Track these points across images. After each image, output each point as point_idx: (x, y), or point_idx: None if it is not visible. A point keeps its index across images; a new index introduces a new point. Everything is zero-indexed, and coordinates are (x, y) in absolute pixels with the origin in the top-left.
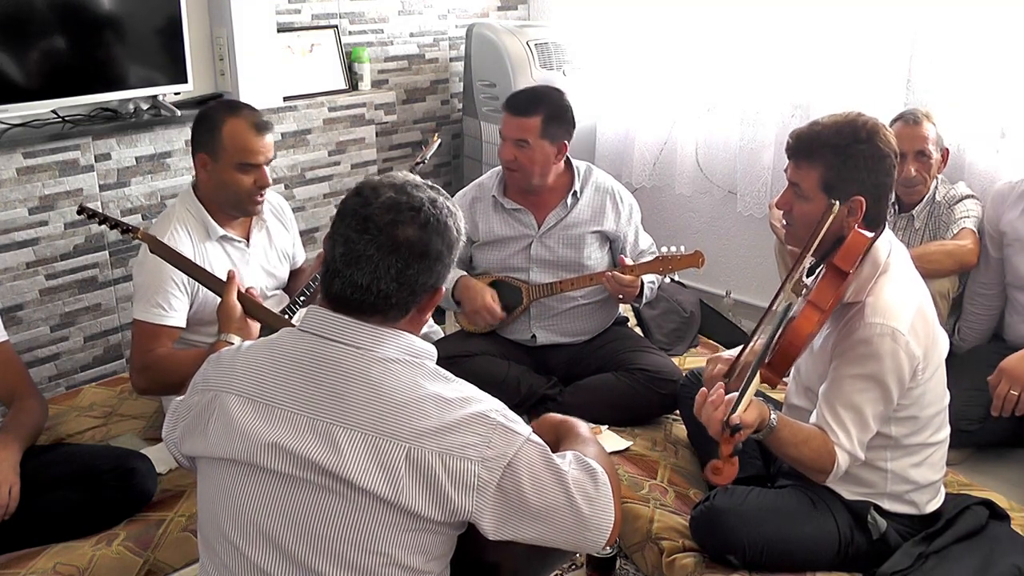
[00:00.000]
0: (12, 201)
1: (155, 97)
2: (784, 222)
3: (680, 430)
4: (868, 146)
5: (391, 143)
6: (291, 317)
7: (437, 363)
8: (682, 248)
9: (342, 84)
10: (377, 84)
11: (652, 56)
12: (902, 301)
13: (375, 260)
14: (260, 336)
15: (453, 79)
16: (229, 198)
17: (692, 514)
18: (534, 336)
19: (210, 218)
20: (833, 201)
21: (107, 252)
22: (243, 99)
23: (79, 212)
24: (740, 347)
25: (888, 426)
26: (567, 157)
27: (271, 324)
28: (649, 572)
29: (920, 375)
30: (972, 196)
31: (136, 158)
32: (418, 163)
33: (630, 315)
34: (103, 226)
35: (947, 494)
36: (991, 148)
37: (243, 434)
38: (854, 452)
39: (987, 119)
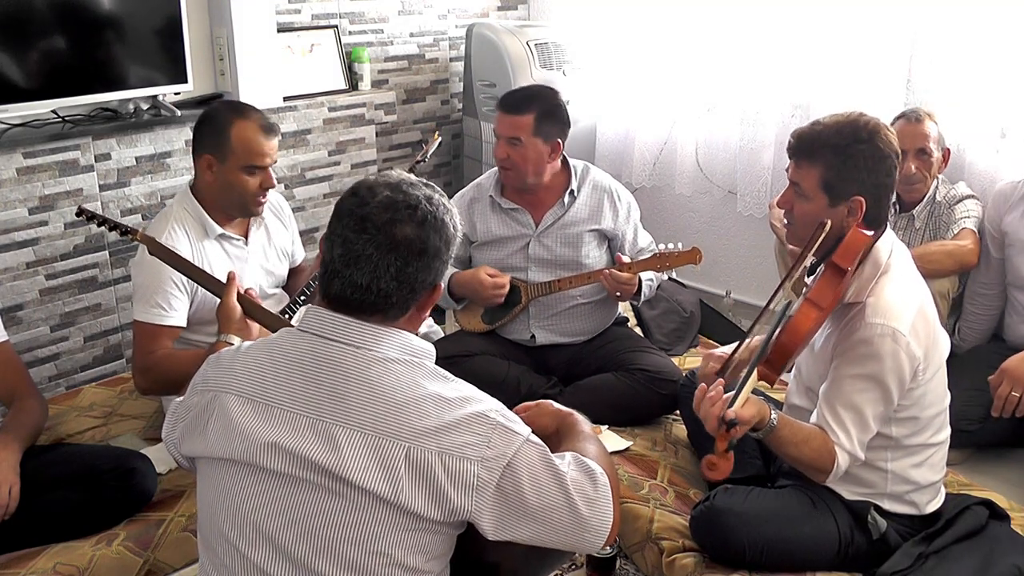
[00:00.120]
0: (12, 201)
1: (155, 97)
2: (785, 221)
3: (680, 430)
4: (868, 146)
5: (391, 143)
6: (291, 317)
7: (437, 363)
8: (679, 245)
9: (342, 84)
10: (377, 84)
11: (652, 56)
12: (903, 302)
13: (374, 259)
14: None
15: (453, 79)
16: (234, 199)
17: (692, 514)
18: (533, 336)
19: (208, 217)
20: (826, 221)
21: (107, 252)
22: (243, 99)
23: (78, 214)
24: (735, 344)
25: (889, 427)
26: (564, 156)
27: (270, 325)
28: (649, 572)
29: (921, 376)
30: (972, 196)
31: (136, 158)
32: (418, 161)
33: (630, 315)
34: (102, 228)
35: (947, 494)
36: (991, 148)
37: (243, 434)
38: (854, 452)
39: (987, 119)
